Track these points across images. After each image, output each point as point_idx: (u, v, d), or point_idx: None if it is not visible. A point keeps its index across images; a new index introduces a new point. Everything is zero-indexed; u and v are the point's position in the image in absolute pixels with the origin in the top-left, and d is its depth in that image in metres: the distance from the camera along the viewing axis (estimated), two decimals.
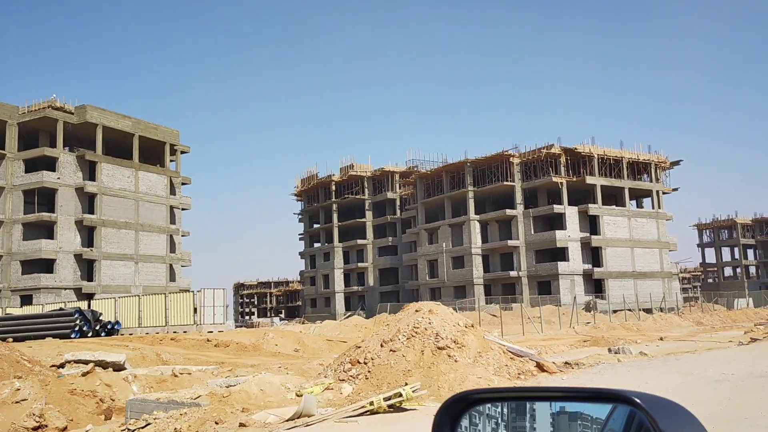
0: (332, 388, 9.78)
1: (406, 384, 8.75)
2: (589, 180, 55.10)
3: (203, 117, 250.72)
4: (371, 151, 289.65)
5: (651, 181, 60.86)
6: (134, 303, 36.75)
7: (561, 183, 54.60)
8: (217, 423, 7.62)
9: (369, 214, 73.95)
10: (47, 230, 49.19)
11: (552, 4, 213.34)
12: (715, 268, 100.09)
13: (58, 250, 48.15)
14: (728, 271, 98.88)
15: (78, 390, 12.73)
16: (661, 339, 28.01)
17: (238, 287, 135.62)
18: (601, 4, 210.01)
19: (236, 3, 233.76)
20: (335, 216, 75.18)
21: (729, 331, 32.25)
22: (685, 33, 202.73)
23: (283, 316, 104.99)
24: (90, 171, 50.80)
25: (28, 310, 40.20)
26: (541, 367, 11.62)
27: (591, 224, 55.50)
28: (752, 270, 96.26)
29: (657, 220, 59.37)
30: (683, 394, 9.76)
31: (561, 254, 53.73)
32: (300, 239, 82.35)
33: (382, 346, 10.60)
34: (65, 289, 47.77)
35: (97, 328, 30.35)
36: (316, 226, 79.43)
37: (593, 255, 55.18)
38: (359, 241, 73.55)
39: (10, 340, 25.40)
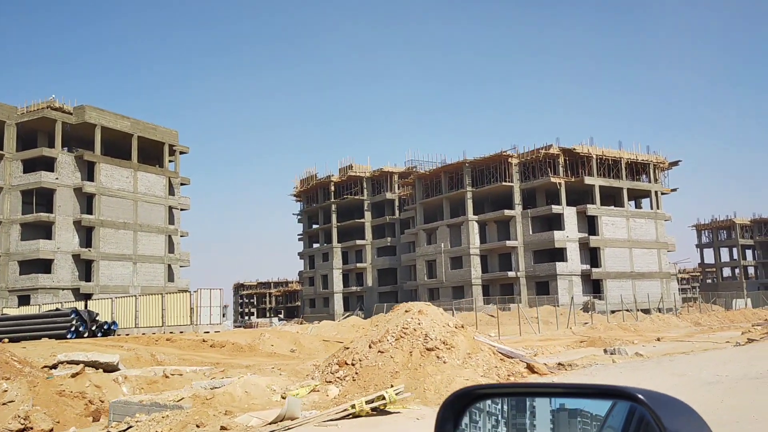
0: (318, 390, 9.68)
1: (392, 386, 8.65)
2: (588, 180, 55.00)
3: (203, 117, 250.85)
4: (370, 151, 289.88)
5: (649, 181, 60.74)
6: (131, 303, 36.68)
7: (559, 183, 54.51)
8: (198, 426, 7.54)
9: (368, 215, 73.89)
10: (45, 230, 49.12)
11: (551, 4, 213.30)
12: (714, 269, 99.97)
13: (56, 250, 48.09)
14: (727, 272, 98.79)
15: (67, 391, 12.66)
16: (658, 339, 27.96)
17: (238, 287, 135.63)
18: (599, 5, 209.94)
19: (236, 3, 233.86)
20: (334, 216, 75.11)
21: (726, 332, 32.21)
22: (684, 33, 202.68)
23: (282, 316, 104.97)
24: (88, 171, 50.74)
25: (25, 310, 40.12)
26: (531, 369, 11.54)
27: (589, 225, 55.40)
28: (751, 270, 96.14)
29: (655, 220, 59.27)
30: (675, 396, 9.66)
31: (559, 255, 53.63)
32: (299, 239, 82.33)
33: (370, 347, 10.51)
34: (63, 289, 47.70)
35: (94, 328, 30.23)
36: (315, 226, 79.35)
37: (591, 255, 55.07)
38: (358, 242, 73.48)
39: (6, 340, 25.38)
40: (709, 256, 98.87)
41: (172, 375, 14.92)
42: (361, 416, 7.88)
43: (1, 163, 48.74)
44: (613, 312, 46.36)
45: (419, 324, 10.71)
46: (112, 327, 31.80)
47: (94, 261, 49.63)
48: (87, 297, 45.46)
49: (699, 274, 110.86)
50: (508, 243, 55.39)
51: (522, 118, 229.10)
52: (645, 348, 22.10)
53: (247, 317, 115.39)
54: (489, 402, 1.80)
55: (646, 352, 19.79)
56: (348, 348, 11.13)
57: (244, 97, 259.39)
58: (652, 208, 60.13)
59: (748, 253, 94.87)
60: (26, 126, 49.97)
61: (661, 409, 1.47)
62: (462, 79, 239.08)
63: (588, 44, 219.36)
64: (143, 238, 53.53)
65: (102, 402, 12.69)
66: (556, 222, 55.07)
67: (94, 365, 15.47)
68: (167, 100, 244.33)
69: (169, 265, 55.83)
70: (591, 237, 54.43)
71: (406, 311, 11.45)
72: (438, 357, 9.97)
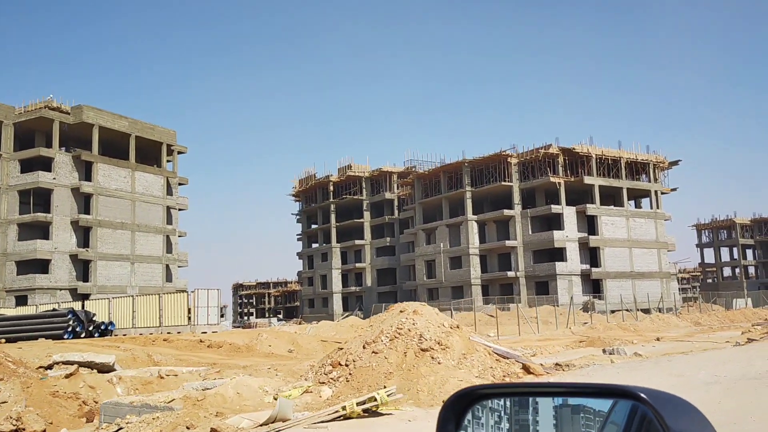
0: (311, 391, 9.57)
1: (384, 387, 8.54)
2: (587, 180, 54.90)
3: (202, 117, 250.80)
4: (369, 151, 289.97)
5: (649, 181, 60.64)
6: (128, 303, 36.56)
7: (559, 183, 54.41)
8: (188, 428, 7.43)
9: (367, 215, 73.77)
10: (43, 231, 49.01)
11: (551, 4, 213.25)
12: (714, 269, 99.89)
13: (54, 250, 47.98)
14: (727, 272, 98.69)
15: (60, 392, 12.56)
16: (658, 339, 27.87)
17: (237, 288, 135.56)
18: (599, 5, 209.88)
19: (236, 3, 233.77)
20: (333, 216, 75.00)
21: (726, 332, 32.11)
22: (684, 33, 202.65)
23: (281, 316, 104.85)
24: (86, 171, 50.63)
25: (22, 310, 40.00)
26: (527, 369, 11.43)
27: (589, 224, 55.30)
28: (751, 270, 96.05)
29: (655, 220, 59.16)
30: None
31: (559, 254, 53.53)
32: (298, 240, 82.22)
33: (364, 347, 10.39)
34: (60, 289, 47.59)
35: (90, 328, 30.11)
36: (314, 226, 79.24)
37: (591, 255, 54.97)
38: (357, 242, 73.37)
39: (3, 341, 25.28)
40: (709, 255, 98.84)
41: (168, 376, 14.81)
42: (352, 418, 7.77)
43: None
44: (612, 312, 46.26)
45: (414, 324, 10.59)
46: (109, 327, 31.68)
47: (91, 261, 49.53)
48: (84, 297, 45.35)
49: (699, 273, 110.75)
50: (508, 243, 55.29)
51: (521, 118, 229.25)
52: (644, 348, 22.00)
53: (246, 317, 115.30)
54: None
55: (645, 352, 19.70)
56: (342, 348, 11.02)
57: (243, 97, 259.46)
58: (651, 208, 60.02)
59: (749, 252, 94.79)
60: (24, 126, 49.88)
61: (663, 408, 1.45)
62: (462, 79, 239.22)
63: (588, 44, 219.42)
64: (141, 239, 53.42)
65: (96, 403, 12.57)
66: (555, 222, 54.97)
67: (90, 366, 15.37)
68: (166, 100, 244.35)
69: (167, 266, 55.72)
70: (591, 237, 54.33)
71: (401, 311, 11.33)
72: (432, 358, 9.85)
